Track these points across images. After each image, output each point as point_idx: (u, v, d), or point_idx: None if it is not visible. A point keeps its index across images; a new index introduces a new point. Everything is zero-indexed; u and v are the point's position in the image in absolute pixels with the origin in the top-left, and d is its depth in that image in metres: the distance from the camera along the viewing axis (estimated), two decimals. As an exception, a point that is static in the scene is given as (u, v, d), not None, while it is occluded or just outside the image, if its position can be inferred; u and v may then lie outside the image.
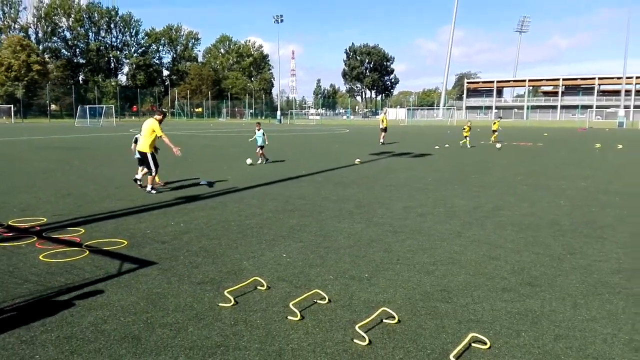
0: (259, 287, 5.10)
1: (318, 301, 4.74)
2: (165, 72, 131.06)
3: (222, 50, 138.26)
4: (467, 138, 25.75)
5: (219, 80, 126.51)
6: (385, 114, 29.19)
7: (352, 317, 4.39)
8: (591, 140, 31.06)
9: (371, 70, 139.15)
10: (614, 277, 5.47)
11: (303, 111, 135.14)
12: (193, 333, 4.09)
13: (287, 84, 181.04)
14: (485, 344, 3.88)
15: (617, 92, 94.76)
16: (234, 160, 18.20)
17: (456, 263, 5.94)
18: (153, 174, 10.72)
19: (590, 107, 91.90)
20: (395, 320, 4.30)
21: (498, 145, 24.67)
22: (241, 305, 4.66)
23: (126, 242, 6.78)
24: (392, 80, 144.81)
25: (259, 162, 16.77)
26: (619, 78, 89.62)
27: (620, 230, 7.54)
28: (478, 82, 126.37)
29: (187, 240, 6.94)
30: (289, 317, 4.38)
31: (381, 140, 27.02)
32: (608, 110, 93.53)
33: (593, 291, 5.05)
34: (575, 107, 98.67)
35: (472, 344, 3.90)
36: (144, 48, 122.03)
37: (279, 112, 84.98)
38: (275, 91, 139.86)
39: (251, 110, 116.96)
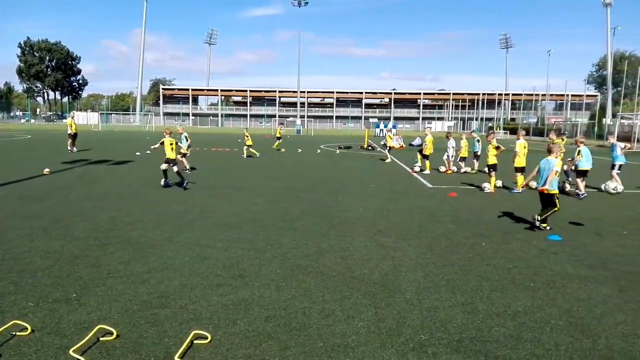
0: None
1: (18, 333, 4.12)
2: None
3: None
4: (280, 140, 29.03)
5: None
6: (72, 118, 26.35)
7: (63, 343, 3.98)
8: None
9: (54, 69, 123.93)
10: (305, 260, 6.47)
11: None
12: None
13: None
14: (206, 338, 4.10)
15: (294, 104, 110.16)
16: None
17: (171, 268, 6.00)
18: None
19: (274, 116, 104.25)
20: (114, 336, 4.10)
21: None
22: None
23: None
24: (80, 81, 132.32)
25: None
26: (294, 92, 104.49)
27: (305, 221, 8.91)
28: (174, 89, 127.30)
29: None
30: (-22, 359, 3.68)
31: (69, 148, 24.50)
32: (288, 119, 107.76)
33: (291, 274, 5.87)
34: (262, 116, 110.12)
35: (195, 342, 4.06)
36: None
37: None
38: None
39: None
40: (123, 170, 16.85)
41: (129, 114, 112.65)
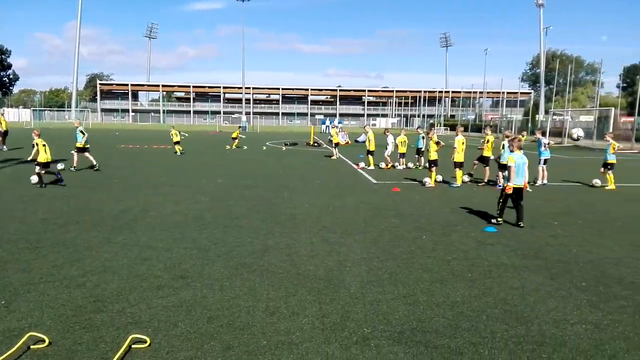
0: None
1: (-64, 346, 3.82)
2: None
3: None
4: (236, 140, 29.25)
5: None
6: (2, 115, 24.99)
7: (-12, 353, 3.74)
8: (222, 143, 34.74)
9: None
10: (250, 258, 6.40)
11: None
12: None
13: None
14: (145, 342, 3.97)
15: (239, 100, 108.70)
16: None
17: (108, 270, 5.77)
18: None
19: (219, 112, 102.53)
20: (46, 344, 3.89)
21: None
22: None
23: None
24: (11, 76, 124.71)
25: None
26: (239, 88, 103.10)
27: (251, 219, 8.82)
28: (112, 85, 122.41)
29: None
30: None
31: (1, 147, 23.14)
32: (233, 116, 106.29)
33: (235, 273, 5.79)
34: (206, 112, 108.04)
35: (133, 346, 3.92)
36: None
37: None
38: None
39: None
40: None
41: (64, 111, 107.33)
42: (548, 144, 14.83)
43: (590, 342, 4.17)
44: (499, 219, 8.70)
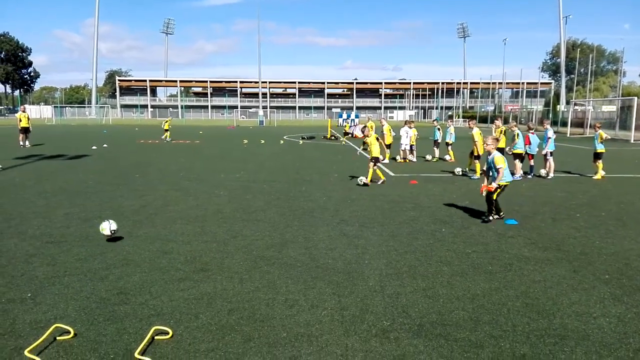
0: None
1: (-34, 337, 3.94)
2: None
3: None
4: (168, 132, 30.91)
5: None
6: (23, 111, 25.33)
7: (17, 344, 3.84)
8: (239, 137, 34.92)
9: (3, 62, 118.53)
10: (269, 251, 6.44)
11: None
12: None
13: None
14: (168, 333, 4.03)
15: (256, 95, 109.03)
16: None
17: (130, 263, 5.86)
18: None
19: (236, 107, 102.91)
20: (71, 335, 3.98)
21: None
22: None
23: None
24: (32, 73, 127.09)
25: None
26: (256, 82, 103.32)
27: (269, 212, 8.86)
28: (131, 80, 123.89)
29: None
30: None
31: (21, 143, 23.58)
32: (250, 110, 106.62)
33: (254, 266, 5.83)
34: (223, 107, 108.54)
35: (156, 337, 3.98)
36: None
37: None
38: None
39: None
40: (78, 165, 16.31)
41: (84, 107, 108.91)
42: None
43: (614, 335, 4.10)
44: (494, 215, 8.19)
